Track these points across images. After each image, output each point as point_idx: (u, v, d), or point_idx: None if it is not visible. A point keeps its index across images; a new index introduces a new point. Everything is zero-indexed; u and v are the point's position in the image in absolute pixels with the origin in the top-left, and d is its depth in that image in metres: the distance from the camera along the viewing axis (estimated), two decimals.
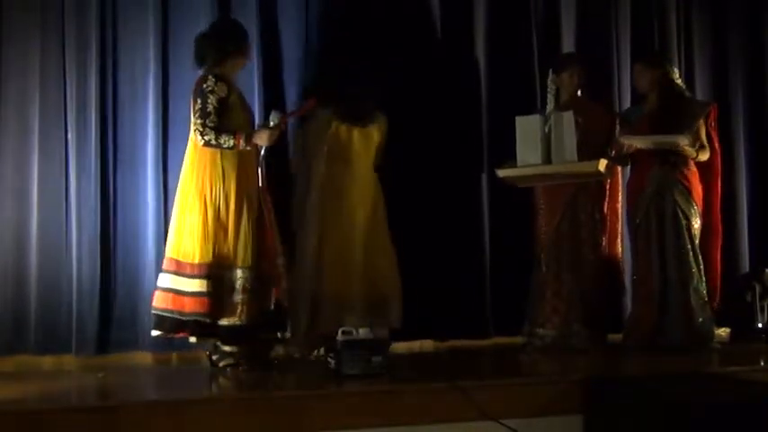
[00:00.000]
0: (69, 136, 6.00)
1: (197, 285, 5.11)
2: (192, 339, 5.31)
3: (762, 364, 5.14)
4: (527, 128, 5.79)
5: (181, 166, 5.56)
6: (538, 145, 5.74)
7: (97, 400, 4.66)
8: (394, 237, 6.00)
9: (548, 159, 5.76)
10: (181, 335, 5.29)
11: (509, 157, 5.89)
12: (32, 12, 6.01)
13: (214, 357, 5.38)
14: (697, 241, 5.71)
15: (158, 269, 5.67)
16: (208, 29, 5.52)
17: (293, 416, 4.17)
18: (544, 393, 4.39)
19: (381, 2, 6.45)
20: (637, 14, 6.83)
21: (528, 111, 6.10)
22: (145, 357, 5.98)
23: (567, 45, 6.65)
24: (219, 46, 5.26)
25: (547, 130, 5.78)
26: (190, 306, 5.13)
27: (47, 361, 5.86)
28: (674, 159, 5.67)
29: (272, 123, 5.21)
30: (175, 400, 4.44)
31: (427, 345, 6.31)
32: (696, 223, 5.71)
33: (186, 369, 5.81)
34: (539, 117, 5.85)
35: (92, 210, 5.93)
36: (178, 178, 5.57)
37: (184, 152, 5.64)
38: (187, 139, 5.47)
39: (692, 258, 5.65)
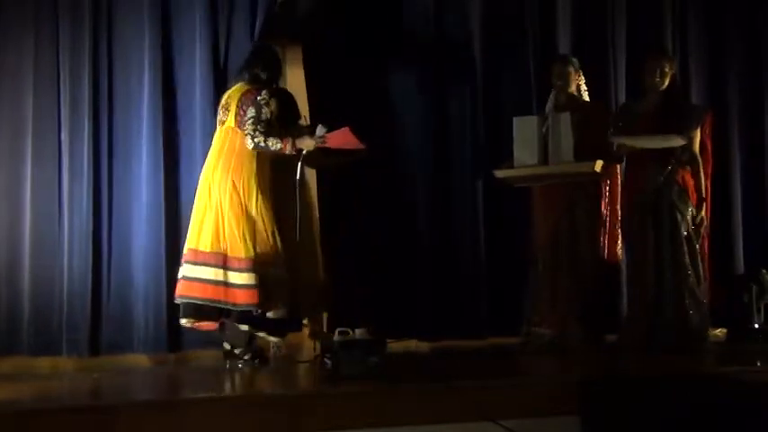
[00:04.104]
0: (62, 136, 6.00)
1: (248, 278, 5.38)
2: (244, 328, 5.49)
3: (758, 364, 5.13)
4: (524, 128, 5.80)
5: (179, 165, 5.97)
6: (535, 145, 5.74)
7: (92, 401, 4.64)
8: (390, 237, 6.22)
9: (545, 160, 5.76)
10: (214, 324, 5.54)
11: (505, 157, 5.90)
12: (26, 10, 6.01)
13: (237, 351, 5.51)
14: (697, 240, 5.68)
15: (155, 270, 5.91)
16: (258, 44, 6.00)
17: (290, 416, 4.15)
18: (541, 394, 4.36)
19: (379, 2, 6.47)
20: (632, 13, 6.82)
21: (524, 110, 6.09)
22: (139, 358, 5.97)
23: (563, 45, 6.63)
24: (268, 65, 5.71)
25: (544, 130, 5.78)
26: (243, 297, 5.37)
27: (40, 362, 5.85)
28: (671, 159, 5.65)
29: (319, 133, 5.56)
30: (171, 401, 4.45)
31: (423, 345, 6.31)
32: (694, 219, 5.68)
33: (182, 369, 5.82)
34: (536, 118, 5.86)
35: (84, 210, 5.94)
36: (178, 178, 5.94)
37: (182, 151, 6.03)
38: (184, 135, 5.97)
39: (688, 259, 5.63)
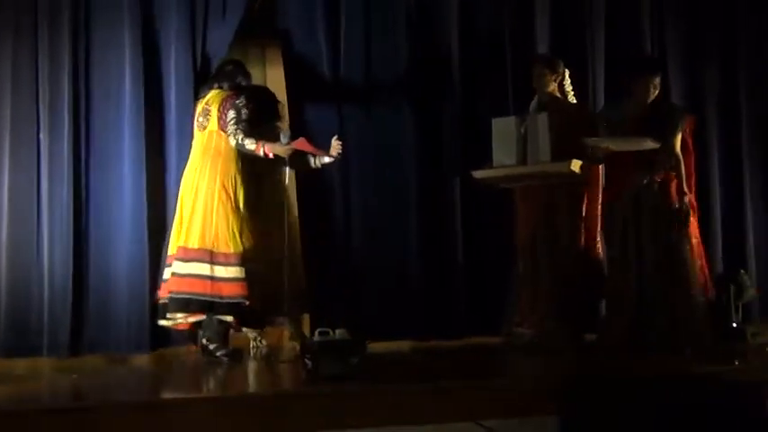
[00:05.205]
0: (41, 136, 5.98)
1: (236, 272, 5.60)
2: (229, 318, 5.63)
3: (737, 363, 5.16)
4: (503, 129, 5.83)
5: (159, 166, 6.02)
6: (513, 146, 5.78)
7: (72, 402, 4.63)
8: (370, 237, 6.29)
9: (523, 160, 5.79)
10: (198, 316, 5.66)
11: (485, 158, 5.91)
12: (5, 10, 5.98)
13: (212, 347, 5.61)
14: (685, 239, 5.68)
15: (135, 270, 5.90)
16: (231, 58, 6.13)
17: (271, 417, 4.15)
18: (521, 394, 4.37)
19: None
20: (610, 17, 6.84)
21: (502, 113, 6.11)
22: (119, 358, 5.96)
23: (542, 48, 6.64)
24: (245, 73, 6.01)
25: (523, 131, 5.79)
26: (231, 290, 5.58)
27: (19, 363, 5.82)
28: (653, 160, 5.66)
29: (283, 142, 5.82)
30: (152, 401, 4.46)
31: (404, 345, 6.30)
32: (677, 212, 5.68)
33: (162, 369, 5.82)
34: (514, 119, 5.88)
35: (64, 210, 5.94)
36: (158, 179, 6.00)
37: (162, 152, 6.06)
38: (163, 139, 6.01)
39: (670, 259, 5.63)
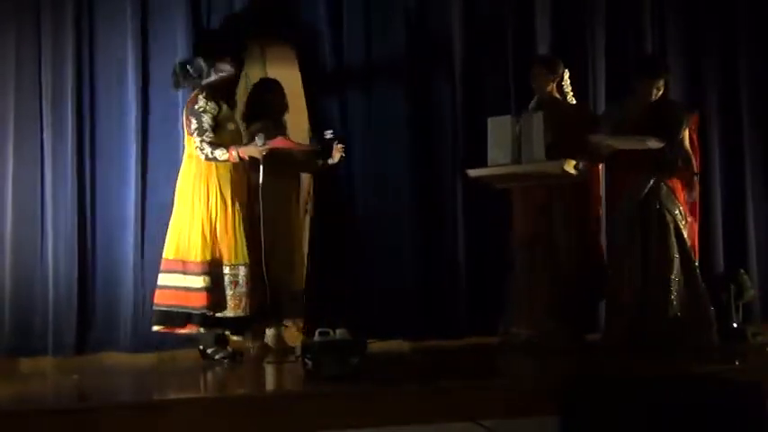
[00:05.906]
0: (45, 136, 5.99)
1: (201, 282, 5.46)
2: (202, 330, 5.56)
3: (737, 363, 5.16)
4: (498, 128, 5.84)
5: (162, 162, 5.98)
6: (509, 145, 5.77)
7: (74, 402, 4.64)
8: (369, 237, 6.29)
9: (518, 159, 5.78)
10: (188, 328, 5.55)
11: (485, 158, 5.91)
12: (6, 8, 5.99)
13: (209, 351, 5.61)
14: (687, 241, 5.70)
15: (140, 268, 5.92)
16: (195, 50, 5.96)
17: (269, 417, 4.15)
18: (520, 394, 4.37)
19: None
20: (611, 16, 6.85)
21: (502, 112, 6.12)
22: (123, 358, 5.98)
23: (542, 48, 6.65)
24: (208, 65, 5.60)
25: (518, 130, 5.80)
26: (197, 301, 5.46)
27: (23, 363, 5.85)
28: (657, 159, 5.66)
29: (258, 143, 5.55)
30: (151, 402, 4.44)
31: (404, 345, 6.31)
32: (683, 222, 5.71)
33: (164, 369, 5.83)
34: (510, 118, 5.88)
35: (68, 208, 5.96)
36: (158, 175, 5.95)
37: (165, 148, 6.03)
38: (167, 135, 6.00)
39: (676, 259, 5.64)
